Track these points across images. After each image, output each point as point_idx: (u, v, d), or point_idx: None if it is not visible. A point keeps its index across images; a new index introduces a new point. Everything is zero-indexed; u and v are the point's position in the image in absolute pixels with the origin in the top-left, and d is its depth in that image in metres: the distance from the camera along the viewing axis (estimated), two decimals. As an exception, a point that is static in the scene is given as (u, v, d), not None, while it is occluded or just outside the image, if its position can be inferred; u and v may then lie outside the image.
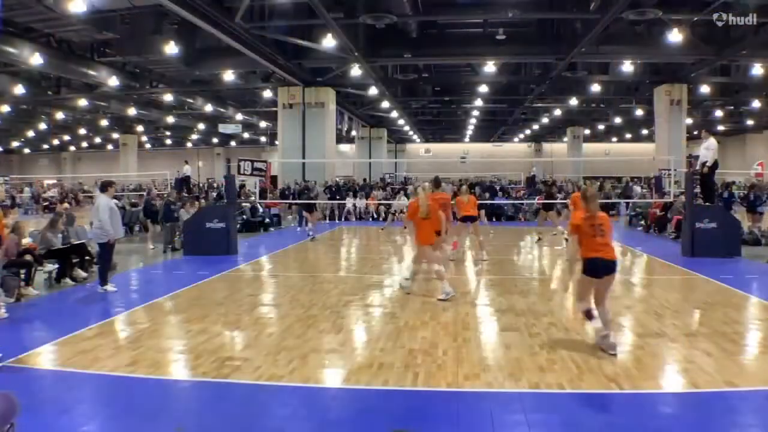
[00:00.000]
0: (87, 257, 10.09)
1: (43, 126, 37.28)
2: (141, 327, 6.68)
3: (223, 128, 33.73)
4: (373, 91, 26.63)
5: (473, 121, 38.60)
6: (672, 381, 4.95)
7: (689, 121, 29.34)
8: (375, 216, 23.30)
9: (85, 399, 4.64)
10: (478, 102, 30.78)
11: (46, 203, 29.39)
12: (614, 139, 47.79)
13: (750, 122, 37.38)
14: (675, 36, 16.67)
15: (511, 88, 28.04)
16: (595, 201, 5.68)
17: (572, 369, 5.07)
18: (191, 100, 30.05)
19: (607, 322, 5.56)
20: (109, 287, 8.65)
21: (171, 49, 18.03)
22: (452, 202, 11.64)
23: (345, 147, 47.15)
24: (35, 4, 14.66)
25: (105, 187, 8.99)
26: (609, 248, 5.53)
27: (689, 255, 11.75)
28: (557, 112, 34.30)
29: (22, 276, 8.43)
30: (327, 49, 18.45)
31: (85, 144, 49.17)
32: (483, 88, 27.03)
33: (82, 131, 41.24)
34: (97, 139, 46.49)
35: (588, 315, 5.60)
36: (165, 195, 15.23)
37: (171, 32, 19.18)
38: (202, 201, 18.62)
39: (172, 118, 35.18)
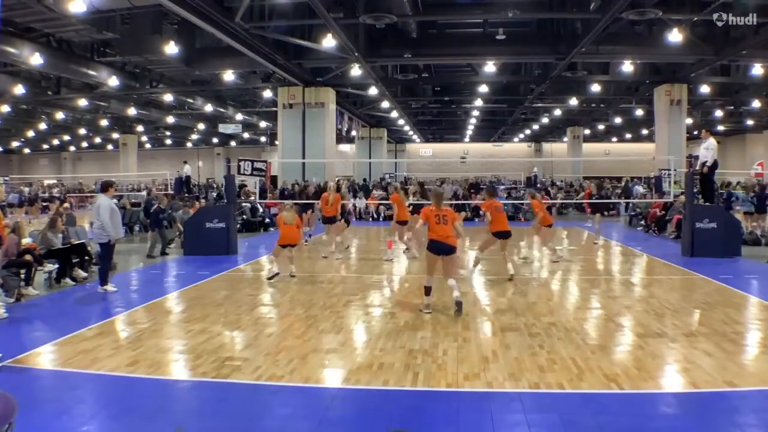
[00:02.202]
0: (87, 257, 10.09)
1: (43, 126, 37.26)
2: (141, 327, 6.68)
3: (223, 128, 33.73)
4: (373, 91, 26.63)
5: (473, 121, 38.58)
6: (672, 381, 4.95)
7: (689, 121, 29.33)
8: (375, 216, 23.30)
9: (85, 399, 4.63)
10: (478, 102, 30.76)
11: (46, 203, 29.36)
12: (614, 139, 47.77)
13: (750, 122, 37.36)
14: (675, 36, 16.66)
15: (511, 88, 28.05)
16: (441, 198, 7.53)
17: (572, 369, 5.07)
18: (191, 100, 30.05)
19: (454, 287, 7.25)
20: (110, 287, 8.66)
21: (171, 49, 18.02)
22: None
23: (345, 147, 47.14)
24: (35, 4, 14.65)
25: (105, 187, 8.98)
26: (449, 235, 7.17)
27: (689, 255, 11.75)
28: (557, 112, 34.30)
29: (22, 276, 8.43)
30: (327, 49, 18.44)
31: (85, 144, 49.15)
32: (483, 88, 27.03)
33: (82, 131, 41.22)
34: (97, 139, 46.48)
35: (427, 291, 7.30)
36: (153, 198, 14.78)
37: (171, 32, 19.19)
38: (202, 201, 18.64)
39: (172, 118, 35.16)
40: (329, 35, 17.19)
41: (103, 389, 4.83)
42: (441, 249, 7.20)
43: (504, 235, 9.64)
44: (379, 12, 15.94)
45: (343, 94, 27.65)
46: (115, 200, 17.44)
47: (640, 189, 26.21)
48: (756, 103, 28.94)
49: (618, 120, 36.86)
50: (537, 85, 25.39)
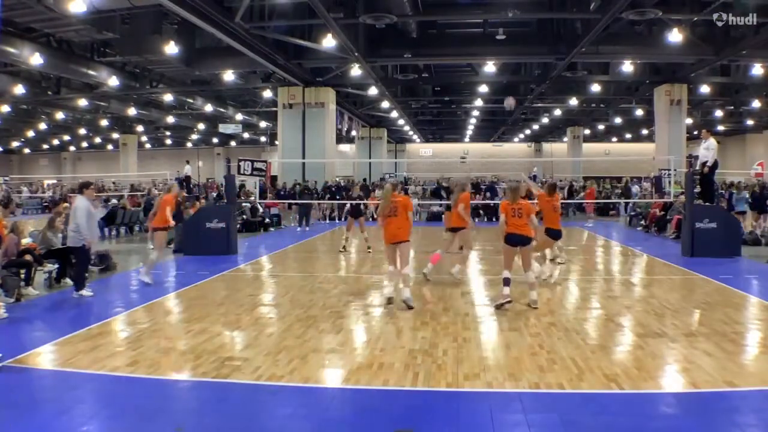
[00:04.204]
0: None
1: (43, 126, 37.28)
2: (141, 327, 6.67)
3: (223, 128, 33.76)
4: (373, 91, 26.64)
5: (473, 121, 38.61)
6: (672, 381, 4.95)
7: (689, 121, 29.35)
8: (375, 216, 23.27)
9: (85, 399, 4.63)
10: (478, 102, 30.79)
11: (46, 204, 29.32)
12: (614, 139, 47.78)
13: (750, 122, 37.38)
14: (675, 36, 16.68)
15: (511, 88, 28.06)
16: (517, 193, 7.67)
17: (572, 369, 5.07)
18: (191, 100, 30.08)
19: (533, 283, 7.59)
20: (85, 292, 8.34)
21: (171, 49, 18.04)
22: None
23: (345, 147, 47.14)
24: (35, 4, 14.67)
25: (83, 188, 8.68)
26: (524, 227, 7.50)
27: (689, 255, 11.75)
28: (557, 112, 34.30)
29: (22, 276, 8.42)
30: (327, 49, 18.46)
31: (85, 144, 49.17)
32: (483, 88, 27.04)
33: (82, 131, 41.25)
34: (97, 139, 46.50)
35: (505, 282, 7.41)
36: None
37: (171, 32, 19.21)
38: (203, 201, 18.66)
39: (172, 118, 35.19)
40: (329, 35, 17.21)
41: (103, 389, 4.82)
42: (518, 240, 7.51)
43: (559, 234, 9.29)
44: (379, 12, 15.96)
45: (343, 94, 27.67)
46: (115, 200, 17.34)
47: (638, 188, 26.13)
48: (756, 103, 28.96)
49: (618, 120, 36.87)
50: (537, 85, 25.41)
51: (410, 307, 7.31)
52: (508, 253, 7.62)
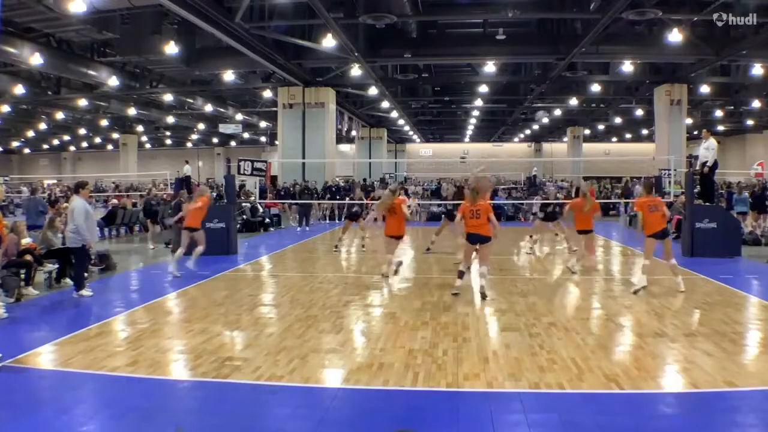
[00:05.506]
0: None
1: (43, 126, 37.29)
2: (141, 327, 6.67)
3: (223, 128, 33.77)
4: (373, 91, 26.64)
5: (473, 121, 38.61)
6: (672, 381, 4.95)
7: (689, 121, 29.36)
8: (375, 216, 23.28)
9: (85, 399, 4.63)
10: (478, 102, 30.80)
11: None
12: (614, 139, 47.79)
13: (750, 122, 37.40)
14: (675, 36, 16.69)
15: (511, 88, 28.08)
16: (475, 194, 8.23)
17: (572, 369, 5.07)
18: (191, 100, 30.09)
19: (483, 274, 8.17)
20: (85, 292, 8.34)
21: (171, 49, 18.04)
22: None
23: (345, 147, 47.14)
24: (35, 4, 14.67)
25: (78, 188, 8.62)
26: (482, 226, 8.13)
27: (689, 255, 11.77)
28: (557, 112, 34.31)
29: (22, 276, 8.41)
30: (327, 49, 18.46)
31: (85, 144, 49.18)
32: (483, 88, 27.05)
33: (82, 131, 41.26)
34: (97, 139, 46.51)
35: (460, 274, 8.33)
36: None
37: (171, 32, 19.22)
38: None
39: (172, 118, 35.20)
40: (329, 35, 17.21)
41: (103, 389, 4.82)
42: (478, 239, 8.20)
43: (662, 234, 8.59)
44: (379, 12, 15.96)
45: (343, 94, 27.68)
46: (115, 201, 17.28)
47: (639, 189, 26.10)
48: (756, 103, 28.97)
49: (618, 120, 36.87)
50: (537, 85, 25.41)
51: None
52: (468, 249, 8.44)
